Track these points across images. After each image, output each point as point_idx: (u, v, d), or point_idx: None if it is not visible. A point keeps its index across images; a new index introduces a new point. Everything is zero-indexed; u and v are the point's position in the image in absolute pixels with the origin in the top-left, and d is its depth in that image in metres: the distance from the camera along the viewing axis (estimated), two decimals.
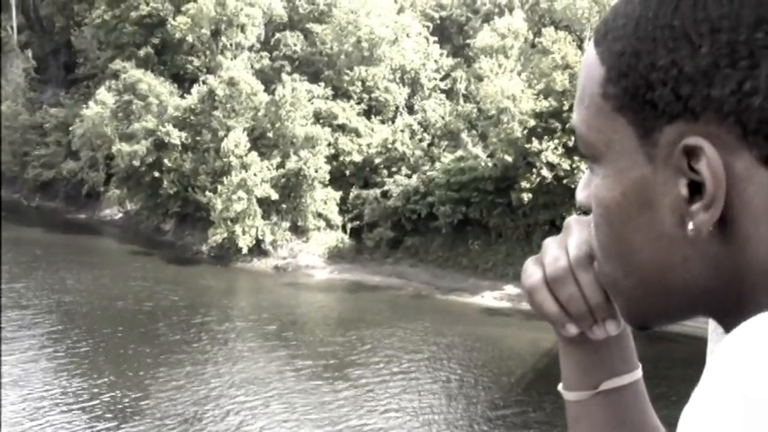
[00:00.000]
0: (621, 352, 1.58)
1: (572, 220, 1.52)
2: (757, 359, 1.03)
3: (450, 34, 66.41)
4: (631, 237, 1.27)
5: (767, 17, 1.13)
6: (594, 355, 1.57)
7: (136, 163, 64.11)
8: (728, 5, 1.14)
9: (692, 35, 1.16)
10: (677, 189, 1.19)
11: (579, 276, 1.47)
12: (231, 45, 67.36)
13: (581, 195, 1.37)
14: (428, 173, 59.56)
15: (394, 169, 61.58)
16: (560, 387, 1.62)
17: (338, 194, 61.77)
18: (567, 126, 55.42)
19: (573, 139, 53.52)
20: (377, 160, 62.25)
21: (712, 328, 1.44)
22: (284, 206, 61.53)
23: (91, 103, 67.14)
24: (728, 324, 1.20)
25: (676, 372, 34.91)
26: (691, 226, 1.18)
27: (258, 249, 61.07)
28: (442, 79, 64.85)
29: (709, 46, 1.15)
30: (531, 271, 1.52)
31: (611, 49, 1.23)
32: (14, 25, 77.32)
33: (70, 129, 68.58)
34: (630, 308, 1.36)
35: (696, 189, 1.17)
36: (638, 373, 1.59)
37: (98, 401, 40.27)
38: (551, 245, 1.52)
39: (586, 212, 1.43)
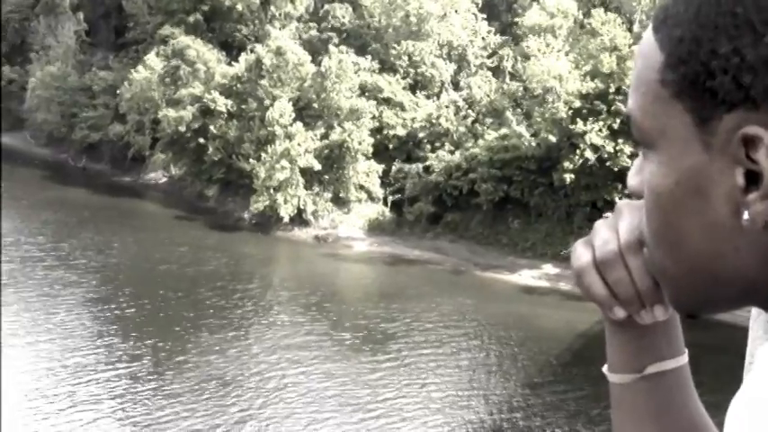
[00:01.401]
0: (668, 337, 1.55)
1: (623, 204, 1.49)
2: None
3: (498, 12, 66.25)
4: (683, 225, 1.26)
5: None
6: (641, 339, 1.54)
7: (181, 128, 64.49)
8: None
9: (756, 23, 1.14)
10: (733, 178, 1.18)
11: (629, 260, 1.45)
12: (280, 15, 67.60)
13: (633, 181, 1.37)
14: (471, 150, 59.31)
15: (437, 145, 61.43)
16: (605, 369, 1.61)
17: (380, 167, 61.74)
18: (613, 108, 55.21)
19: (618, 121, 53.71)
20: (420, 135, 62.12)
21: (755, 316, 1.45)
22: (326, 177, 61.63)
23: (139, 67, 67.48)
24: None
25: (711, 359, 34.85)
26: (746, 216, 1.18)
27: (299, 219, 61.17)
28: (488, 57, 64.54)
29: None
30: (581, 252, 1.50)
31: (670, 35, 1.22)
32: None
33: (118, 92, 68.98)
34: (679, 295, 1.35)
35: (752, 179, 1.17)
36: (684, 359, 1.57)
37: (140, 362, 40.86)
38: (602, 227, 1.50)
39: (630, 197, 1.46)
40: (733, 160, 1.17)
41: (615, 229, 1.48)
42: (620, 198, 52.82)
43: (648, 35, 1.27)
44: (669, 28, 1.22)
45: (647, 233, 1.36)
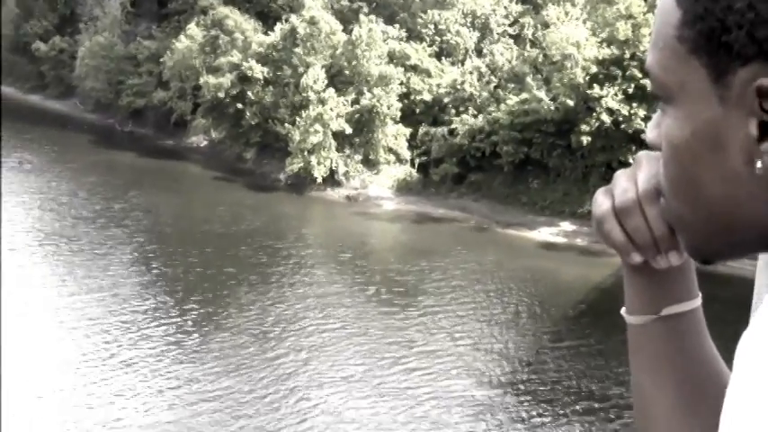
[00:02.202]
0: (683, 281, 1.57)
1: (642, 155, 1.51)
2: None
3: None
4: (700, 175, 1.28)
5: None
6: (657, 282, 1.56)
7: (221, 95, 64.84)
8: None
9: None
10: (747, 129, 1.19)
11: (646, 209, 1.47)
12: None
13: (651, 134, 1.40)
14: (493, 114, 59.42)
15: (461, 109, 61.35)
16: (623, 311, 1.61)
17: (408, 131, 61.90)
18: (628, 74, 55.34)
19: (633, 86, 54.07)
20: (445, 100, 62.13)
21: (761, 266, 1.52)
22: (357, 140, 61.89)
23: (181, 36, 67.92)
24: None
25: (721, 311, 34.73)
26: (759, 164, 1.19)
27: (332, 180, 61.43)
28: (510, 25, 64.73)
29: None
30: (601, 201, 1.52)
31: None
32: None
33: (161, 60, 69.38)
34: (695, 242, 1.38)
35: (766, 130, 1.18)
36: (698, 302, 1.59)
37: (186, 317, 41.32)
38: (621, 177, 1.52)
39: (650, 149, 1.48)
40: (747, 112, 1.18)
41: (634, 178, 1.49)
42: (633, 159, 52.88)
43: None
44: None
45: (665, 183, 1.38)
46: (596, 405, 34.82)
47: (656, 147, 1.39)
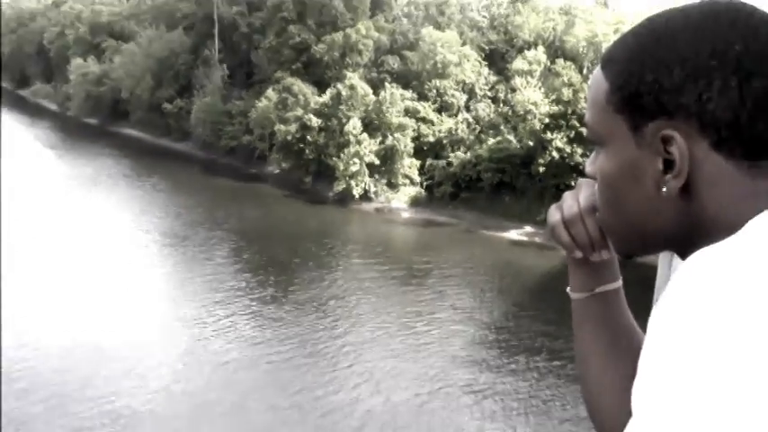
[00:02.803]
0: (610, 269, 1.57)
1: (582, 181, 1.51)
2: (700, 274, 1.05)
3: (495, 60, 66.01)
4: (623, 197, 1.27)
5: (718, 51, 1.12)
6: (592, 270, 1.56)
7: (289, 138, 64.97)
8: (693, 43, 1.13)
9: (669, 63, 1.15)
10: (656, 165, 1.19)
11: (586, 219, 1.48)
12: (352, 63, 67.71)
13: (589, 168, 1.38)
14: (477, 151, 59.57)
15: (455, 147, 61.53)
16: (568, 289, 1.60)
17: (418, 162, 61.96)
18: (570, 124, 55.38)
19: (573, 132, 53.99)
20: (444, 141, 62.25)
21: (661, 258, 1.42)
22: (383, 169, 61.78)
23: (262, 98, 68.13)
24: (686, 257, 1.21)
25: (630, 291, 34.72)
26: (664, 189, 1.19)
27: (365, 197, 61.44)
28: (489, 90, 64.80)
29: (680, 69, 1.14)
30: (553, 213, 1.53)
31: (612, 70, 1.24)
32: (216, 48, 78.25)
33: (248, 114, 69.68)
34: (620, 243, 1.36)
35: (669, 165, 1.18)
36: (620, 283, 1.59)
37: (265, 293, 41.78)
38: (568, 196, 1.53)
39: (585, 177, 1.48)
40: (656, 153, 1.18)
41: (577, 197, 1.50)
42: (574, 182, 52.71)
43: (598, 70, 1.29)
44: (612, 65, 1.23)
45: (599, 202, 1.37)
46: (549, 356, 34.98)
47: (592, 177, 1.38)
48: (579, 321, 1.60)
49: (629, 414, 1.08)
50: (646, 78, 1.17)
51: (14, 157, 68.75)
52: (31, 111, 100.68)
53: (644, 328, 1.18)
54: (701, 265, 1.08)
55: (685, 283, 1.07)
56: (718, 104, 1.12)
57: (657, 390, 1.01)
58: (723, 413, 0.94)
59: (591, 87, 1.30)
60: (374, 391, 30.06)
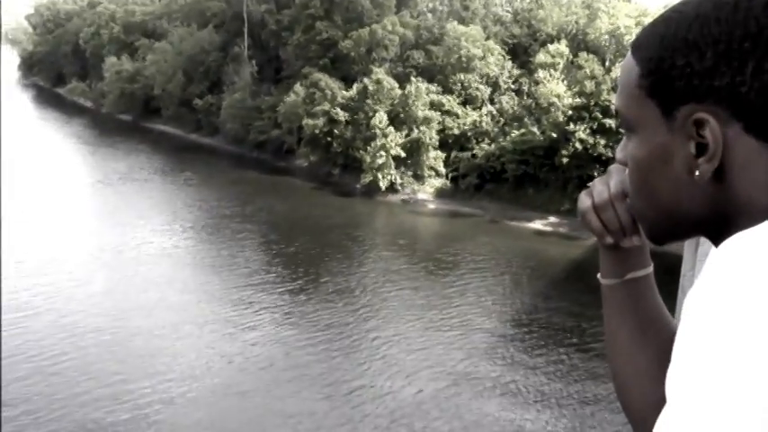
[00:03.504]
0: (641, 255, 1.54)
1: (613, 167, 1.47)
2: (735, 260, 1.05)
3: (518, 54, 65.86)
4: (654, 182, 1.25)
5: (751, 33, 1.10)
6: (622, 256, 1.53)
7: (316, 131, 65.26)
8: (725, 25, 1.12)
9: (701, 45, 1.13)
10: (688, 149, 1.17)
11: (616, 205, 1.45)
12: (378, 58, 67.74)
13: (620, 155, 1.36)
14: (501, 143, 59.46)
15: (480, 140, 61.43)
16: (599, 276, 1.57)
17: (443, 155, 61.92)
18: (593, 115, 55.35)
19: (596, 124, 53.65)
20: (469, 134, 62.20)
21: (687, 245, 1.32)
22: (409, 161, 61.81)
23: (290, 93, 68.35)
24: (719, 242, 1.20)
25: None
26: (697, 173, 1.17)
27: (392, 189, 61.47)
28: (513, 83, 64.66)
29: (712, 52, 1.12)
30: (584, 200, 1.50)
31: (643, 55, 1.22)
32: (245, 45, 78.57)
33: (277, 109, 69.89)
34: (651, 229, 1.34)
35: (701, 149, 1.16)
36: (651, 269, 1.55)
37: (294, 280, 41.97)
38: (598, 182, 1.49)
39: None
40: (688, 137, 1.16)
41: (607, 184, 1.47)
42: (597, 174, 52.59)
43: (628, 56, 1.27)
44: (643, 51, 1.22)
45: (630, 187, 1.34)
46: (575, 339, 34.84)
47: (623, 163, 1.37)
48: (610, 308, 1.55)
49: (660, 401, 1.07)
50: (677, 62, 1.16)
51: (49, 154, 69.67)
52: (68, 108, 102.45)
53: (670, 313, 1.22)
54: (735, 252, 1.08)
55: (720, 269, 1.06)
56: (751, 87, 1.11)
57: (692, 379, 0.99)
58: (759, 404, 0.92)
59: (622, 73, 1.29)
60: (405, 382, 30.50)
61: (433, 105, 62.68)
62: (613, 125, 52.67)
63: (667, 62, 1.18)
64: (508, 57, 64.73)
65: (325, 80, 66.20)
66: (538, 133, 57.35)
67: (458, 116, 62.76)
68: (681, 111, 1.17)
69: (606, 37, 58.77)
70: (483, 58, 63.46)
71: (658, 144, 1.22)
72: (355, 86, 65.03)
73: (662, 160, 1.22)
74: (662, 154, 1.22)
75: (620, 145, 1.36)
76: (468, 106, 63.75)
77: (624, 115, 1.28)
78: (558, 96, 56.40)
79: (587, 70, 56.39)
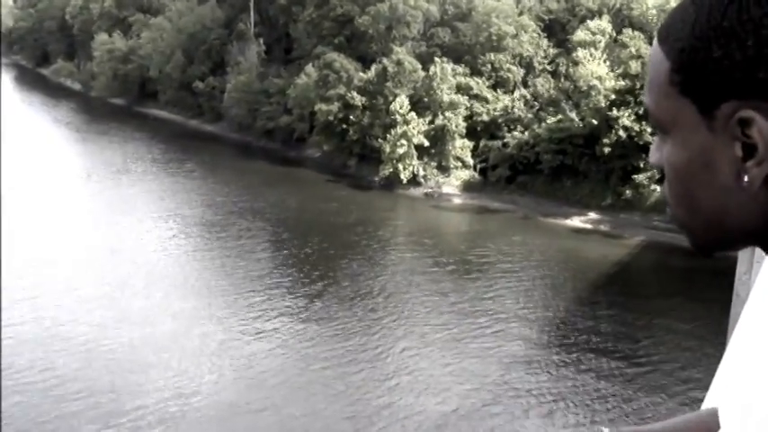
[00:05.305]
0: None
1: None
2: None
3: (555, 31, 65.79)
4: (696, 190, 1.21)
5: None
6: None
7: (330, 118, 65.44)
8: (767, 6, 1.07)
9: (740, 32, 1.08)
10: (733, 151, 1.13)
11: None
12: (399, 36, 67.77)
13: (653, 158, 1.31)
14: (536, 130, 59.46)
15: (512, 127, 61.50)
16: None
17: (471, 144, 62.06)
18: (638, 100, 55.29)
19: (642, 109, 53.32)
20: (500, 120, 62.25)
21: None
22: (433, 151, 62.00)
23: (302, 75, 68.57)
24: None
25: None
26: (746, 179, 1.13)
27: (414, 181, 61.70)
28: (548, 63, 64.64)
29: (754, 39, 1.07)
30: None
31: (673, 46, 1.17)
32: (251, 21, 78.75)
33: (287, 93, 70.09)
34: (697, 240, 1.30)
35: (748, 151, 1.12)
36: None
37: (309, 280, 42.23)
38: None
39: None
40: (732, 137, 1.12)
41: None
42: (643, 164, 52.53)
43: (655, 47, 1.22)
44: (672, 41, 1.17)
45: (668, 196, 1.29)
46: (627, 351, 34.84)
47: (657, 168, 1.31)
48: None
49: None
50: (713, 53, 1.11)
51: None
52: (53, 91, 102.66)
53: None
54: None
55: None
56: None
57: (752, 401, 1.01)
58: None
59: (650, 68, 1.24)
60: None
61: (460, 89, 62.48)
62: None
63: (701, 53, 1.13)
64: (543, 34, 64.44)
65: (340, 61, 66.09)
66: (576, 120, 57.27)
67: (487, 101, 62.55)
68: (722, 109, 1.13)
69: (654, 12, 58.71)
70: (516, 36, 63.25)
71: (698, 147, 1.18)
72: (373, 68, 64.93)
73: (703, 166, 1.18)
74: (703, 159, 1.18)
75: (653, 146, 1.32)
76: (498, 90, 63.57)
77: (656, 115, 1.25)
78: (600, 78, 56.27)
79: (632, 49, 56.19)
